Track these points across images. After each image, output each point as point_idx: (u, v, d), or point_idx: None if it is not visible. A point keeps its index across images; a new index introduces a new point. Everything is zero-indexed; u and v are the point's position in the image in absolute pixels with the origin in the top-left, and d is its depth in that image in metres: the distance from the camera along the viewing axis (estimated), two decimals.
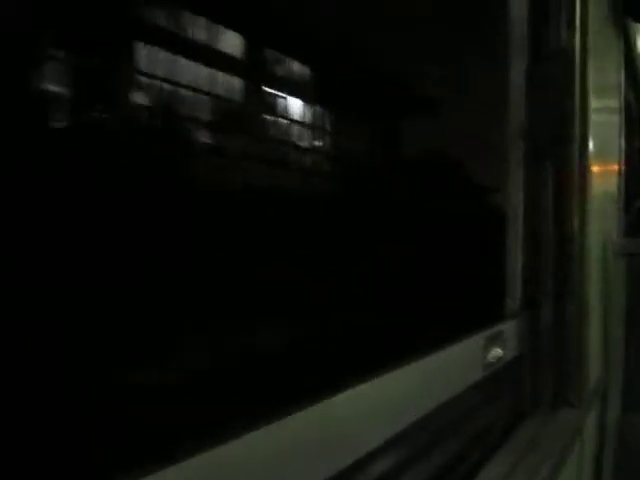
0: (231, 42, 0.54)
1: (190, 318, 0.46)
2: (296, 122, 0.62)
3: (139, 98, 0.44)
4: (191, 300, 0.46)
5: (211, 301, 0.48)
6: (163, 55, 0.45)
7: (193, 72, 0.48)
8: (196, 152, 0.49)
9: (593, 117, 1.29)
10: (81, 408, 0.36)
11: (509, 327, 1.05)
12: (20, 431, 0.32)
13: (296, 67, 0.63)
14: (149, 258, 0.40)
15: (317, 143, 0.68)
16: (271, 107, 0.59)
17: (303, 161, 0.65)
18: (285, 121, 0.60)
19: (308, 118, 0.64)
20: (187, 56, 0.47)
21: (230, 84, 0.55)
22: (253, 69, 0.58)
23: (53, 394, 0.34)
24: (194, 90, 0.49)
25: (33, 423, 0.32)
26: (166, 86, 0.45)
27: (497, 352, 0.96)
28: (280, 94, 0.60)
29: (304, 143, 0.65)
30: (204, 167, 0.49)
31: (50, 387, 0.34)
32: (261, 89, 0.60)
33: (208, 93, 0.51)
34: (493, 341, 0.96)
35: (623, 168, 1.87)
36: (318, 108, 0.66)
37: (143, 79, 0.43)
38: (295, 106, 0.62)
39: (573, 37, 1.20)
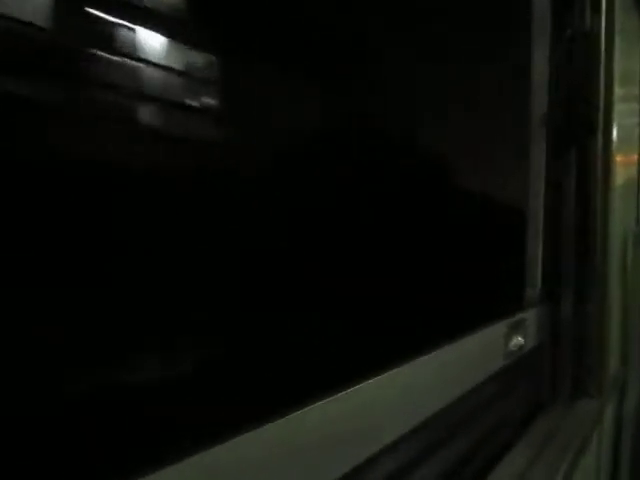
0: None
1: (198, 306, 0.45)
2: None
3: None
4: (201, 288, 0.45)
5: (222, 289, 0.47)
6: None
7: None
8: None
9: (616, 105, 1.27)
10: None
11: (530, 316, 1.04)
12: (19, 432, 0.32)
13: None
14: None
15: None
16: None
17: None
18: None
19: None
20: None
21: None
22: None
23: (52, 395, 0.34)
24: None
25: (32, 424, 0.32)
26: None
27: (518, 341, 0.95)
28: None
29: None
30: None
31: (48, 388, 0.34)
32: None
33: None
34: (515, 329, 0.95)
35: None
36: None
37: None
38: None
39: (599, 20, 1.17)
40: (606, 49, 1.19)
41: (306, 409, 0.50)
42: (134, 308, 0.39)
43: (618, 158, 1.33)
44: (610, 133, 1.21)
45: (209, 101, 0.45)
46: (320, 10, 0.59)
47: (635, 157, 1.76)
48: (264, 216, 0.51)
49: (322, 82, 0.60)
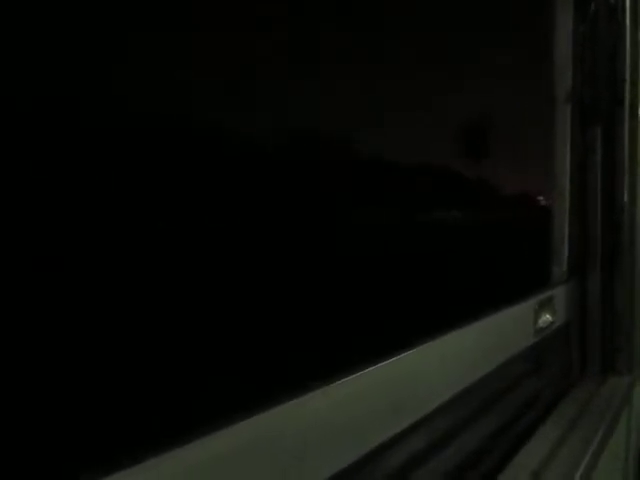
0: None
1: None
2: None
3: None
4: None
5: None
6: None
7: None
8: None
9: None
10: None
11: (558, 293, 1.04)
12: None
13: None
14: None
15: None
16: None
17: None
18: None
19: None
20: None
21: None
22: None
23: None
24: None
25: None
26: None
27: (547, 318, 0.95)
28: None
29: None
30: None
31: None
32: None
33: None
34: (543, 307, 0.95)
35: None
36: None
37: None
38: None
39: None
40: (631, 22, 1.17)
41: (342, 380, 0.51)
42: None
43: None
44: (637, 107, 1.19)
45: None
46: None
47: None
48: None
49: None
